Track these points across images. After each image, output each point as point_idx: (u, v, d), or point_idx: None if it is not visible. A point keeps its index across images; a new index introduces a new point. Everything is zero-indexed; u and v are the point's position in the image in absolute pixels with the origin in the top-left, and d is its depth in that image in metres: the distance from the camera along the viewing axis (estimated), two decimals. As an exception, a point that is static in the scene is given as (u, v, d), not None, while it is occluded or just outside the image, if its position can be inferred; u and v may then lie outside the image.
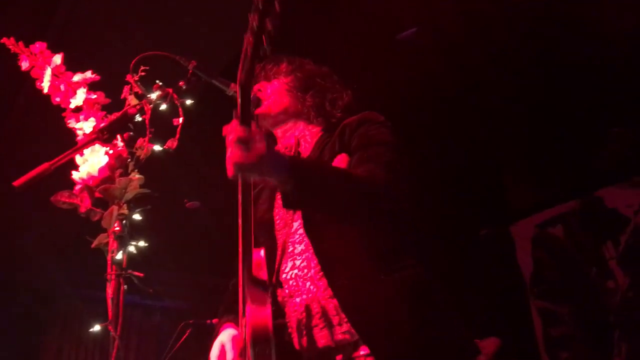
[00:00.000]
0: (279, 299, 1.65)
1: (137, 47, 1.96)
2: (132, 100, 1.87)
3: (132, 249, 1.78)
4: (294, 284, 1.63)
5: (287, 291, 1.64)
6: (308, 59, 2.00)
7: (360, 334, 1.44)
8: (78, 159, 1.80)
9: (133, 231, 1.81)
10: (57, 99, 1.91)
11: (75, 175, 1.79)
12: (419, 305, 1.46)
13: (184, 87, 1.88)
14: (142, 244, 1.82)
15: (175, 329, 3.95)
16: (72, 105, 1.90)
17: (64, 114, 1.92)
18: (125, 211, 1.74)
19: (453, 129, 4.26)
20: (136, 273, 1.73)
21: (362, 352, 1.47)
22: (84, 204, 1.75)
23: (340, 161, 1.59)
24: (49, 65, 1.90)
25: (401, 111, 4.04)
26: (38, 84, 1.92)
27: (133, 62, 1.90)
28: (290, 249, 1.67)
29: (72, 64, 1.96)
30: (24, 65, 1.92)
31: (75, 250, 3.96)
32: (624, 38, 3.42)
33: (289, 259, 1.66)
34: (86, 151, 1.78)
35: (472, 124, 4.26)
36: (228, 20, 3.14)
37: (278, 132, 1.89)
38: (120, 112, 1.81)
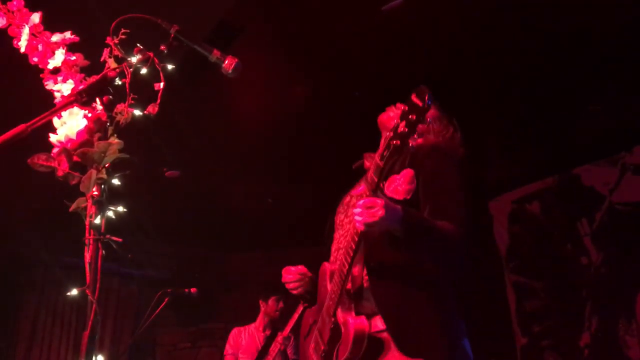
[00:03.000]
0: None
1: (118, 8, 1.91)
2: (112, 64, 1.82)
3: (110, 214, 1.76)
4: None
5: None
6: None
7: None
8: (56, 121, 1.76)
9: (112, 197, 1.79)
10: (35, 59, 1.86)
11: (53, 137, 1.76)
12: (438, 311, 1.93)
13: (166, 52, 1.84)
14: (120, 209, 1.80)
15: (153, 298, 3.96)
16: (50, 66, 1.85)
17: (42, 75, 1.87)
18: (104, 175, 1.71)
19: (437, 99, 4.26)
20: (115, 238, 1.71)
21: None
22: (62, 167, 1.72)
23: (406, 174, 1.99)
24: (27, 23, 1.85)
25: (378, 83, 4.04)
26: (15, 42, 1.87)
27: (113, 24, 1.85)
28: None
29: (51, 24, 1.90)
30: (0, 22, 1.86)
31: (52, 216, 3.92)
32: (603, 14, 3.42)
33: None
34: (64, 114, 1.75)
35: (450, 99, 4.26)
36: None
37: None
38: (100, 75, 1.76)
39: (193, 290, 4.20)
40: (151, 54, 1.83)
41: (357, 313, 1.95)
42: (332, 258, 2.19)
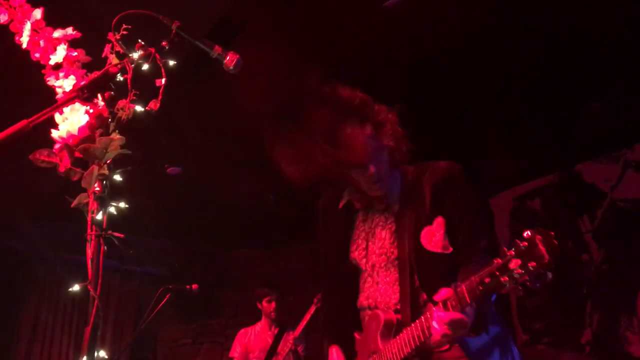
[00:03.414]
0: None
1: (119, 4, 1.91)
2: (114, 60, 1.83)
3: (112, 210, 1.76)
4: None
5: None
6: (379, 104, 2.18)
7: None
8: (57, 117, 1.76)
9: (114, 193, 1.79)
10: (37, 55, 1.86)
11: (55, 133, 1.76)
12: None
13: (167, 48, 1.84)
14: (122, 205, 1.81)
15: (155, 294, 3.97)
16: (52, 62, 1.85)
17: (43, 71, 1.87)
18: (106, 171, 1.72)
19: (434, 99, 4.26)
20: (116, 234, 1.71)
21: None
22: (64, 163, 1.72)
23: (440, 225, 2.00)
24: (29, 19, 1.85)
25: (382, 79, 4.04)
26: (17, 38, 1.87)
27: (115, 20, 1.85)
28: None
29: (53, 20, 1.90)
30: (2, 18, 1.86)
31: (54, 212, 3.93)
32: (605, 13, 3.42)
33: None
34: (66, 109, 1.75)
35: (453, 95, 4.26)
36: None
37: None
38: (102, 71, 1.77)
39: (194, 286, 4.20)
40: (152, 50, 1.83)
41: None
42: (369, 301, 2.16)
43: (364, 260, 2.22)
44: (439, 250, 2.01)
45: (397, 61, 3.93)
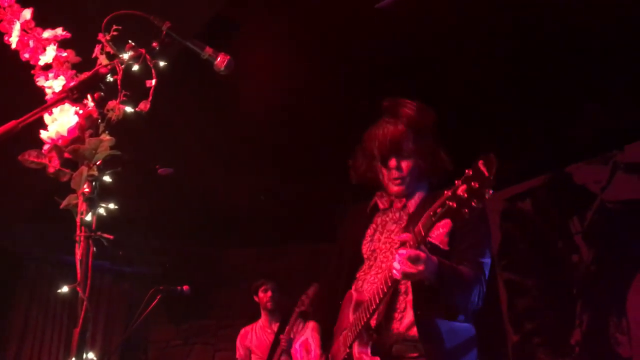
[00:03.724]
0: None
1: (110, 5, 1.90)
2: (104, 60, 1.82)
3: (102, 211, 1.76)
4: None
5: None
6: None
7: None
8: (47, 118, 1.75)
9: (103, 194, 1.79)
10: (26, 55, 1.86)
11: (44, 134, 1.75)
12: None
13: (157, 49, 1.84)
14: (112, 206, 1.80)
15: (145, 295, 3.96)
16: (41, 63, 1.84)
17: (33, 71, 1.87)
18: (95, 172, 1.71)
19: (426, 100, 4.26)
20: (106, 235, 1.71)
21: None
22: (53, 164, 1.72)
23: (446, 225, 1.98)
24: (18, 19, 1.84)
25: (371, 78, 4.05)
26: (6, 38, 1.86)
27: (105, 21, 1.85)
28: None
29: (42, 20, 1.90)
30: (-9, 19, 1.85)
31: (44, 213, 3.91)
32: (597, 14, 3.44)
33: None
34: (55, 110, 1.74)
35: (444, 96, 4.28)
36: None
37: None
38: (91, 72, 1.76)
39: (185, 287, 4.19)
40: (143, 51, 1.83)
41: (373, 352, 2.02)
42: (357, 285, 2.24)
43: (367, 247, 2.29)
44: (437, 243, 2.05)
45: (387, 61, 3.93)
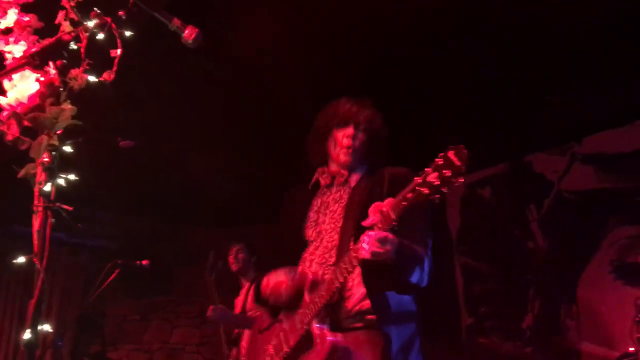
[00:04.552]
0: None
1: (75, -31, 1.84)
2: (67, 27, 1.77)
3: (61, 181, 1.72)
4: None
5: None
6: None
7: None
8: (6, 83, 1.70)
9: (63, 164, 1.75)
10: (-15, 18, 1.79)
11: (3, 100, 1.70)
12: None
13: (124, 18, 1.80)
14: (72, 177, 1.77)
15: (103, 269, 3.91)
16: (1, 26, 1.79)
17: (-9, 35, 1.81)
18: (56, 142, 1.67)
19: (391, 86, 4.28)
20: (65, 206, 1.68)
21: None
22: (11, 132, 1.67)
23: (389, 202, 2.06)
24: (-23, -20, 1.77)
25: (337, 72, 4.04)
26: (-37, 0, 1.79)
27: (70, -14, 1.79)
28: None
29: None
30: (-51, -22, 1.78)
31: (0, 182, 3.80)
32: (559, 5, 3.49)
33: None
34: (15, 76, 1.69)
35: (407, 83, 4.30)
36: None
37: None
38: (54, 38, 1.71)
39: (145, 262, 4.15)
40: (109, 19, 1.79)
41: (332, 328, 2.08)
42: (304, 266, 2.29)
43: (311, 230, 2.36)
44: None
45: (353, 52, 3.92)
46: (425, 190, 1.77)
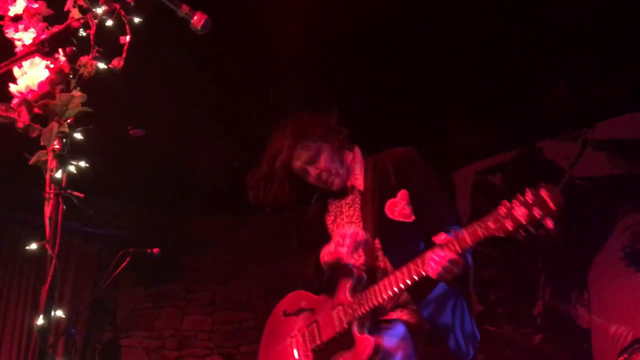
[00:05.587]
0: None
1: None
2: (76, 14, 1.77)
3: (72, 169, 1.73)
4: None
5: None
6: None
7: None
8: (16, 71, 1.70)
9: (74, 151, 1.75)
10: (-5, 6, 1.80)
11: (13, 88, 1.71)
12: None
13: (132, 4, 1.80)
14: (83, 164, 1.77)
15: (114, 257, 3.92)
16: (11, 14, 1.79)
17: (2, 22, 1.81)
18: (66, 129, 1.68)
19: (396, 76, 4.25)
20: (76, 193, 1.68)
21: None
22: (22, 119, 1.68)
23: (403, 196, 2.15)
24: (-14, -33, 1.77)
25: (341, 56, 4.01)
26: (-27, -13, 1.79)
27: (78, -27, 1.79)
28: None
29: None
30: (-42, -34, 1.78)
31: (11, 170, 3.83)
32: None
33: None
34: (25, 63, 1.69)
35: (416, 71, 4.27)
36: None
37: None
38: (63, 25, 1.71)
39: (155, 250, 4.16)
40: (117, 6, 1.78)
41: (370, 332, 2.04)
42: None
43: (332, 226, 2.34)
44: (401, 219, 2.14)
45: (354, 34, 3.88)
46: (509, 226, 1.70)
